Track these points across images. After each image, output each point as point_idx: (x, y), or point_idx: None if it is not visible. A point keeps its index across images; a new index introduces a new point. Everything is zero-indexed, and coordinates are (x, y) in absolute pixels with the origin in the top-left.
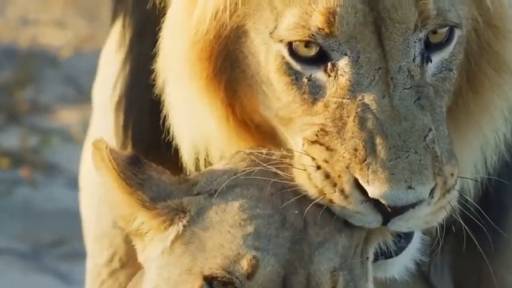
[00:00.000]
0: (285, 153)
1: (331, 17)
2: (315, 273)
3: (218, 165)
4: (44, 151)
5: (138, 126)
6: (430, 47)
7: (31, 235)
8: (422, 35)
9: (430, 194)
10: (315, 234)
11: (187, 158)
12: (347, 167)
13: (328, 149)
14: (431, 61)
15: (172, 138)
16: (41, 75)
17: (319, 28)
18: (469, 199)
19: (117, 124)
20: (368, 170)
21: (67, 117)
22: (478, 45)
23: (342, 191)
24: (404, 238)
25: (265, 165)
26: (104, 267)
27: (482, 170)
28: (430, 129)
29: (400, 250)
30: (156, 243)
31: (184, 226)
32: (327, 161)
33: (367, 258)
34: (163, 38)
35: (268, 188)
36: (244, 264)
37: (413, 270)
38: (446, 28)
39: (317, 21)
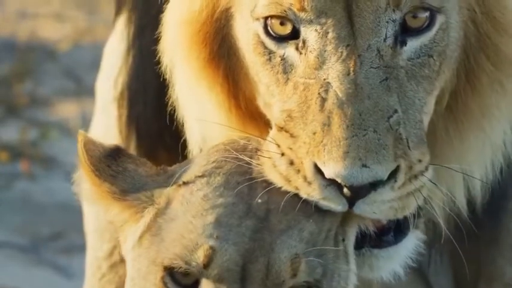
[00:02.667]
0: (262, 142)
1: None
2: (275, 262)
3: (197, 156)
4: (42, 144)
5: (142, 118)
6: (407, 31)
7: (30, 228)
8: (396, 16)
9: (392, 177)
10: (278, 222)
11: (195, 150)
12: (307, 153)
13: (292, 135)
14: (405, 45)
15: (181, 129)
16: (40, 69)
17: (291, 3)
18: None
19: (120, 117)
20: (324, 151)
21: (66, 110)
22: (477, 38)
23: (305, 178)
24: (394, 233)
25: (237, 154)
26: (104, 260)
27: (491, 171)
28: (396, 111)
29: (387, 243)
30: (130, 236)
31: (153, 218)
32: (290, 148)
33: (343, 240)
34: (165, 22)
35: (235, 177)
36: (201, 254)
37: (408, 270)
38: (427, 13)
39: None
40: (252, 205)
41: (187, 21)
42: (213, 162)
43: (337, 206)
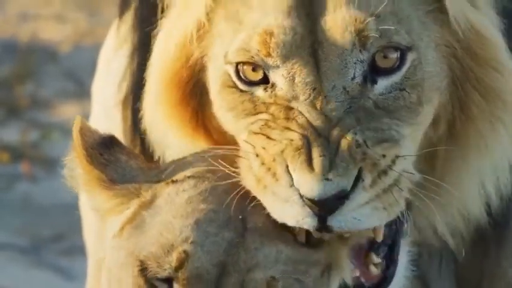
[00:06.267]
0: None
1: (268, 38)
2: (250, 281)
3: (190, 155)
4: (44, 146)
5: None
6: (378, 71)
7: (31, 230)
8: (364, 56)
9: (360, 178)
10: (253, 241)
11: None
12: (282, 152)
13: (268, 138)
14: (376, 83)
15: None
16: (41, 70)
17: (258, 50)
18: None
19: (125, 121)
20: (298, 159)
21: (67, 111)
22: (461, 71)
23: (274, 174)
24: (387, 267)
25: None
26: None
27: (495, 193)
28: (354, 127)
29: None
30: (111, 225)
31: (137, 210)
32: (264, 148)
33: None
34: (149, 69)
35: (224, 186)
36: (174, 257)
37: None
38: (397, 53)
39: (255, 42)
40: (232, 217)
41: (163, 67)
42: (207, 165)
43: (305, 217)
